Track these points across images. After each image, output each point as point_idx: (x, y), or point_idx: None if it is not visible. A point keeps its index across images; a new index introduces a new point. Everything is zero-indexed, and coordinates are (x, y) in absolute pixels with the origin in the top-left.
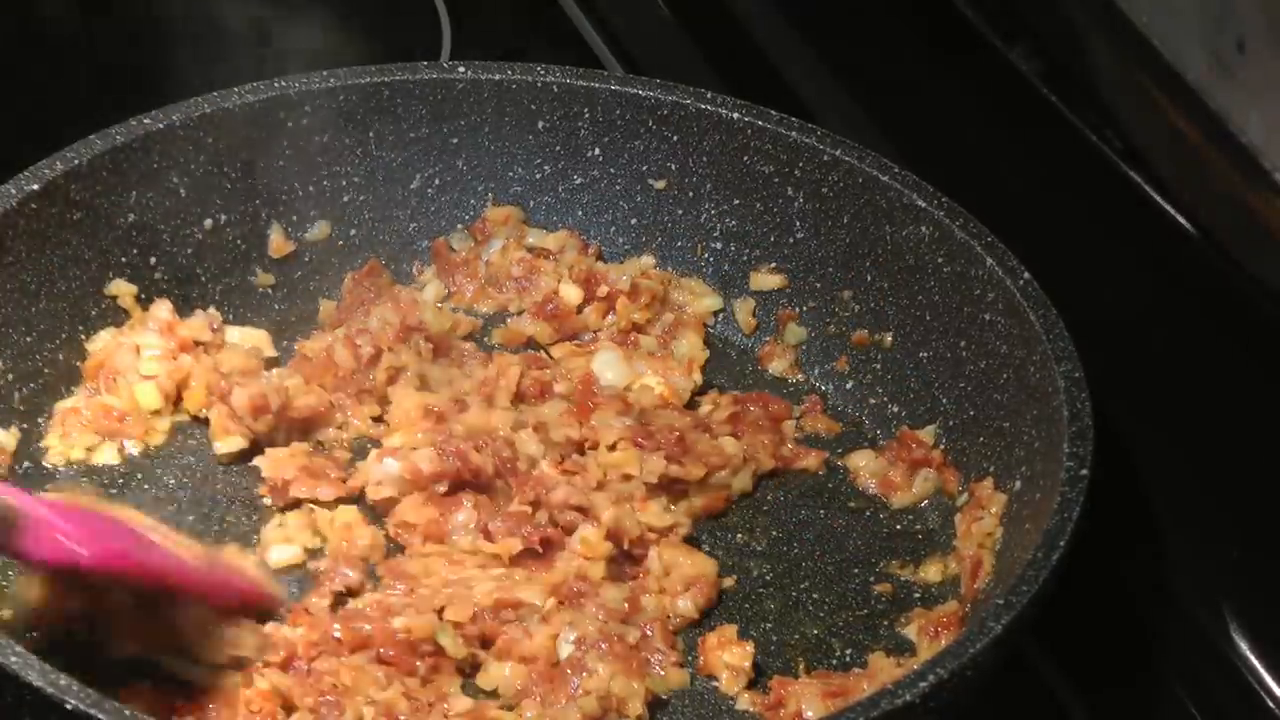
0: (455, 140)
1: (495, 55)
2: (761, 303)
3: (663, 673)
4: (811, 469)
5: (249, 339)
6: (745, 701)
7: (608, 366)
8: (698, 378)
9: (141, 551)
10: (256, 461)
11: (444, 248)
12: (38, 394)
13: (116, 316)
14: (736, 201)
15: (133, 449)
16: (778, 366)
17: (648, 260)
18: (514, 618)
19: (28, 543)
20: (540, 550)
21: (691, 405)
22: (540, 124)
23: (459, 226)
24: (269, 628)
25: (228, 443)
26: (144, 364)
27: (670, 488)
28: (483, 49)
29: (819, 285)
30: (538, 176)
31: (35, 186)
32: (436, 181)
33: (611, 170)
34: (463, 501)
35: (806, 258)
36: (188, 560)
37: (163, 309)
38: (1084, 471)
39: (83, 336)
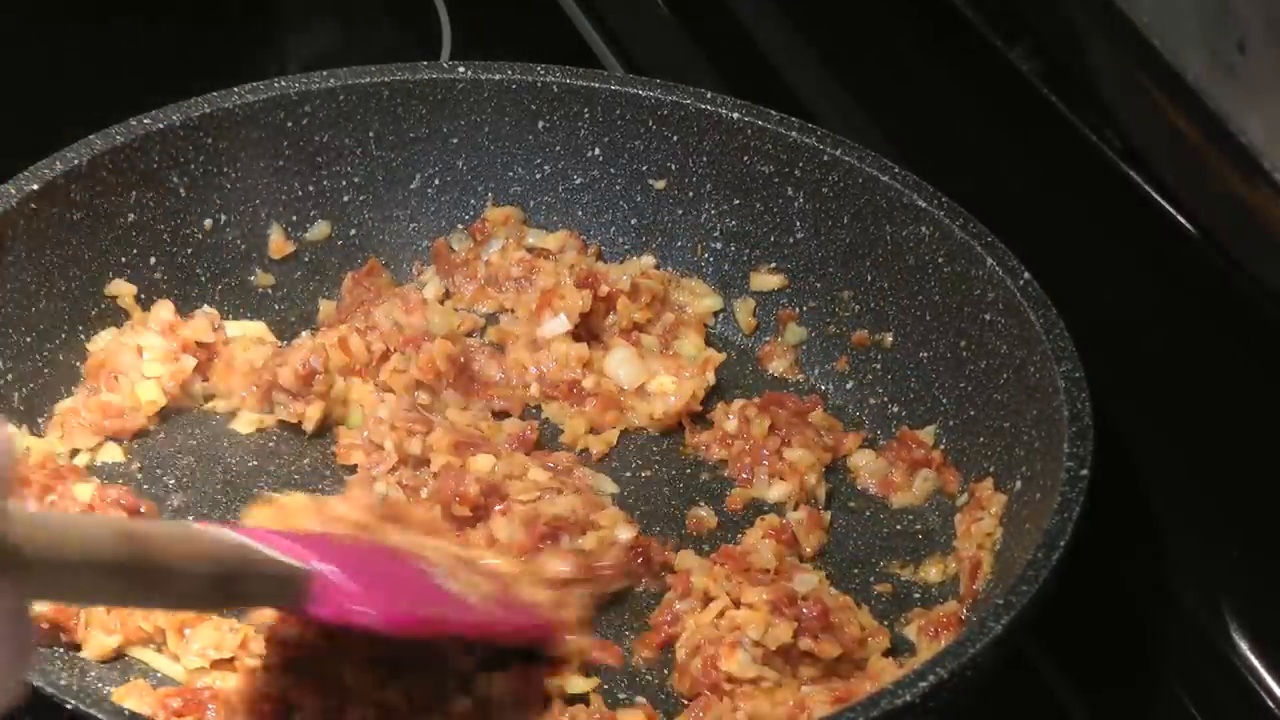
0: (455, 140)
1: (495, 55)
2: (761, 303)
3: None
4: (853, 449)
5: (249, 331)
6: None
7: (621, 365)
8: (710, 378)
9: (428, 606)
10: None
11: (444, 248)
12: (37, 394)
13: (116, 316)
14: (736, 201)
15: (133, 447)
16: (778, 366)
17: (648, 260)
18: None
19: (313, 606)
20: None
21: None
22: (540, 124)
23: (459, 227)
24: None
25: (250, 421)
26: (146, 365)
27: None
28: (483, 49)
29: (819, 285)
30: (538, 176)
31: (35, 186)
32: (436, 181)
33: (611, 170)
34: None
35: (806, 258)
36: (472, 607)
37: (164, 310)
38: (1084, 471)
39: (82, 336)
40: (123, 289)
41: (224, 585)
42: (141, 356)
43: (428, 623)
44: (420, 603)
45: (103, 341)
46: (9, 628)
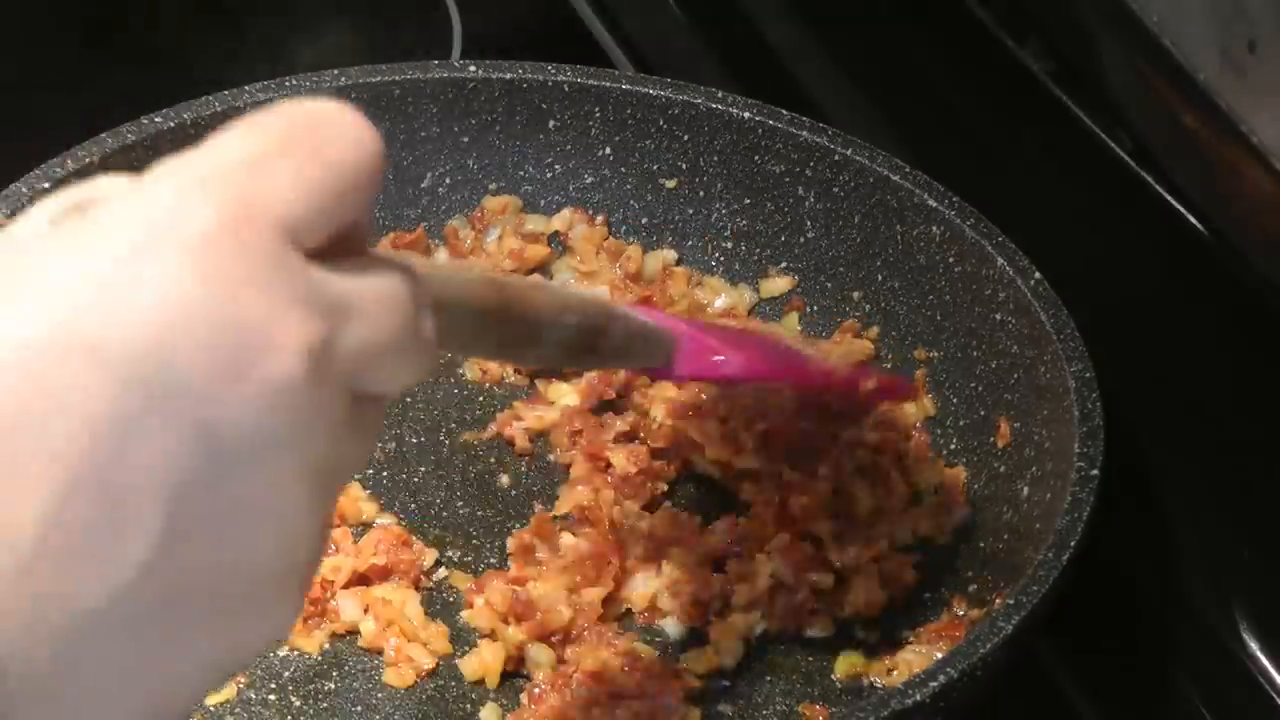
0: (466, 139)
1: (506, 54)
2: (772, 304)
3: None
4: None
5: None
6: None
7: None
8: None
9: (779, 359)
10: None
11: (454, 233)
12: None
13: None
14: (747, 201)
15: None
16: None
17: (670, 254)
18: None
19: (679, 366)
20: None
21: None
22: (551, 123)
23: (464, 213)
24: None
25: None
26: None
27: None
28: (493, 48)
29: (829, 285)
30: (548, 175)
31: (46, 185)
32: (447, 180)
33: (622, 169)
34: None
35: (817, 257)
36: (817, 361)
37: None
38: (1095, 471)
39: None
40: None
41: (593, 337)
42: None
43: (789, 370)
44: (778, 354)
45: None
46: (416, 313)
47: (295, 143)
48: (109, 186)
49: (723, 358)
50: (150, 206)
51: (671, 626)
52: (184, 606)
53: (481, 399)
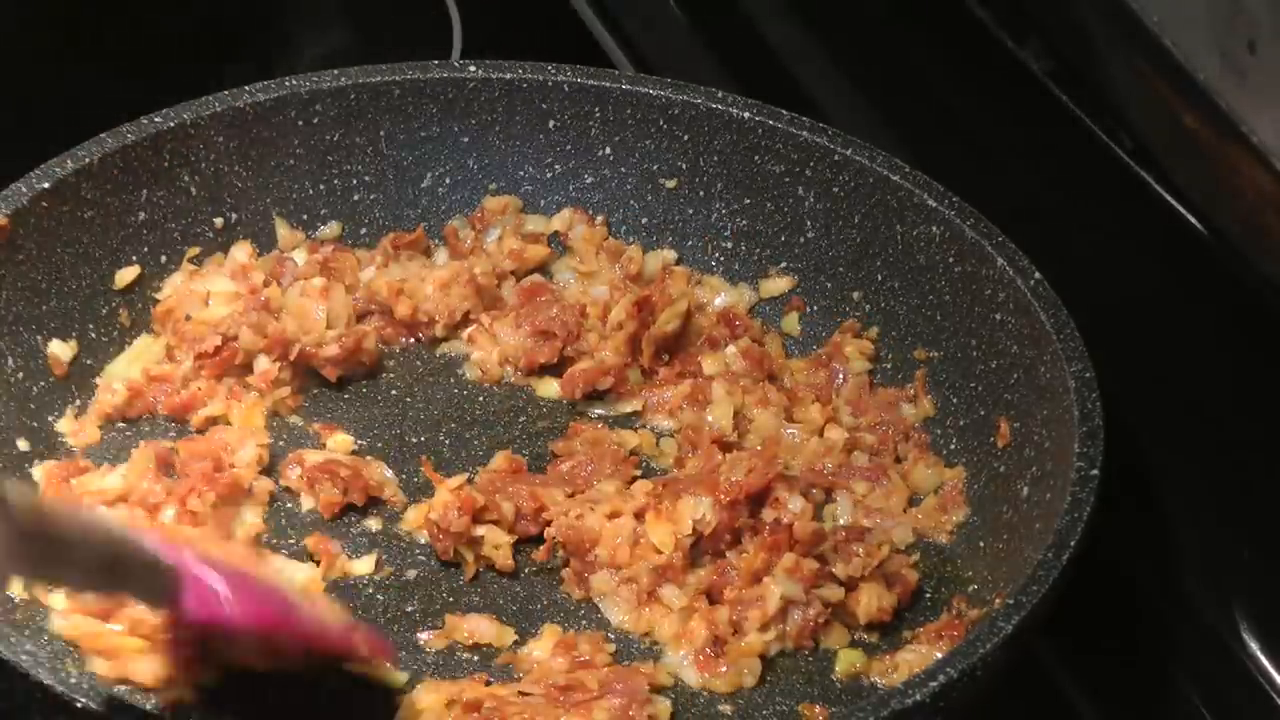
0: (466, 139)
1: (506, 54)
2: (772, 304)
3: None
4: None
5: None
6: None
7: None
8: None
9: (290, 617)
10: None
11: (454, 233)
12: (49, 393)
13: (128, 314)
14: (747, 201)
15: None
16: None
17: (670, 255)
18: None
19: (184, 601)
20: None
21: None
22: (551, 123)
23: (464, 213)
24: None
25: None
26: (213, 308)
27: None
28: (494, 48)
29: (829, 285)
30: (549, 175)
31: (46, 185)
32: (447, 180)
33: (623, 169)
34: None
35: (817, 257)
36: (328, 624)
37: (241, 251)
38: (1094, 471)
39: (93, 335)
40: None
41: (115, 568)
42: (208, 304)
43: (285, 628)
44: (284, 614)
45: (173, 287)
46: None
47: None
48: None
49: (231, 608)
50: None
51: (691, 675)
52: None
53: (481, 399)
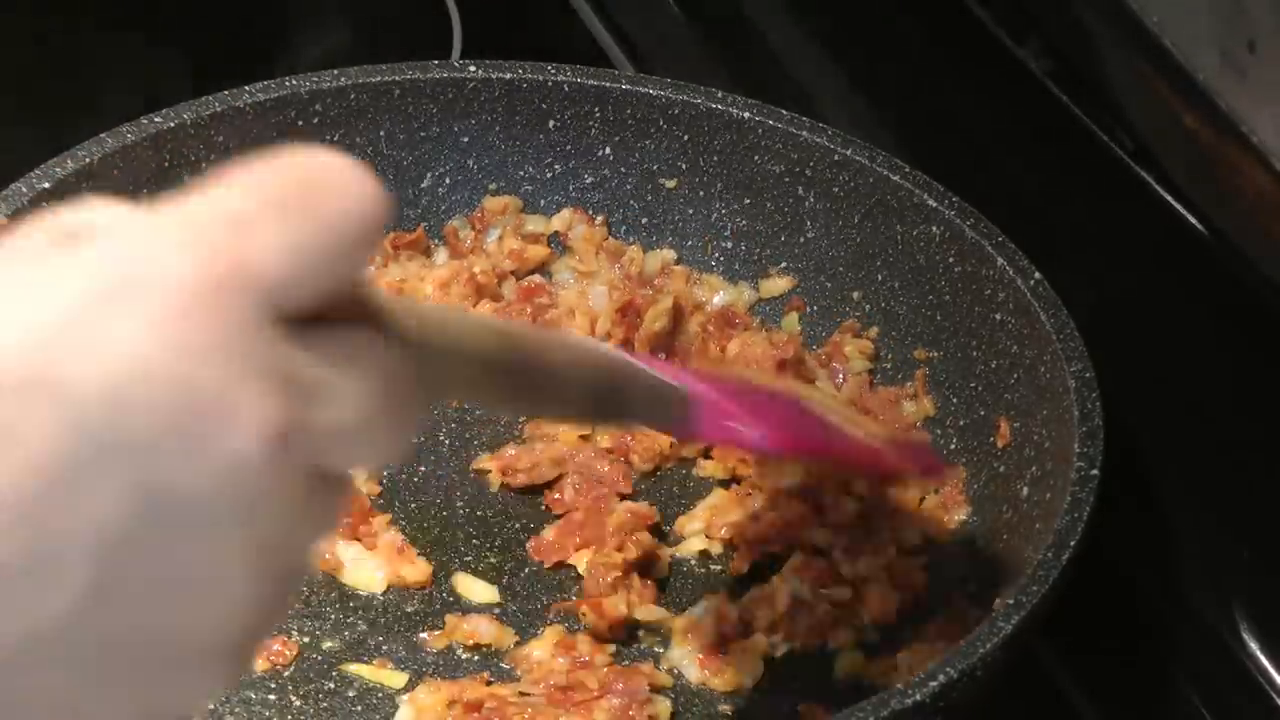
0: (466, 139)
1: (506, 54)
2: (772, 304)
3: None
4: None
5: None
6: None
7: None
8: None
9: (819, 437)
10: None
11: (454, 233)
12: None
13: None
14: (747, 200)
15: None
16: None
17: (669, 254)
18: None
19: (696, 427)
20: None
21: None
22: (551, 123)
23: (463, 213)
24: None
25: None
26: None
27: None
28: (493, 48)
29: (829, 285)
30: (548, 175)
31: (46, 185)
32: (447, 180)
33: (622, 169)
34: None
35: (817, 257)
36: (859, 437)
37: None
38: (1094, 471)
39: None
40: None
41: (605, 396)
42: None
43: (816, 446)
44: (805, 426)
45: None
46: (397, 394)
47: (290, 198)
48: (108, 216)
49: (747, 426)
50: (133, 251)
51: (692, 671)
52: (104, 661)
53: None
